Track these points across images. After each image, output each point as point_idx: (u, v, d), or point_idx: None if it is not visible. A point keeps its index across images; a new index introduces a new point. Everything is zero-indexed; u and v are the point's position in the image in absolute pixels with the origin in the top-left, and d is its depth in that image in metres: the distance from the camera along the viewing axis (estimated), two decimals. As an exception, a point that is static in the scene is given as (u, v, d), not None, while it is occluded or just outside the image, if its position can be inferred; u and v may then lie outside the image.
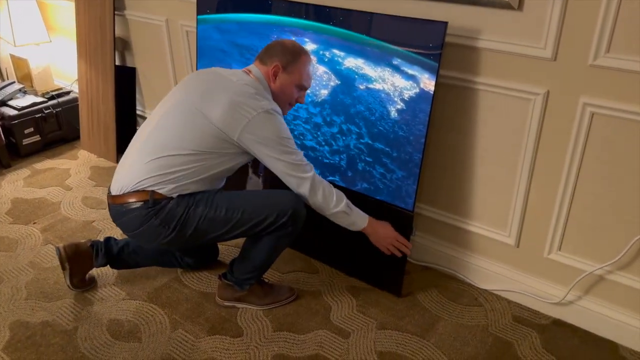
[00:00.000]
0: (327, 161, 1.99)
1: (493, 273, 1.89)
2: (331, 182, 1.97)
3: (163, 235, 1.58)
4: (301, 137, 2.04)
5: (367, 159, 1.88)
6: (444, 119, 1.80)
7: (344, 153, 1.94)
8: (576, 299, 1.74)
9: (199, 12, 2.14)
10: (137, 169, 1.56)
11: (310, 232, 2.03)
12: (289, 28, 1.93)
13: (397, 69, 1.71)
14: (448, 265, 1.99)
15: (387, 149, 1.82)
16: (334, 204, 1.63)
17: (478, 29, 1.62)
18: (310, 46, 1.90)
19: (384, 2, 1.77)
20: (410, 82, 1.69)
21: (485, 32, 1.61)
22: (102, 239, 1.87)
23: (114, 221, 1.65)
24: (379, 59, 1.75)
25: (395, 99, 1.75)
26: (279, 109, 1.59)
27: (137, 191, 1.54)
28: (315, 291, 1.91)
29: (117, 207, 1.60)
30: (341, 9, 1.79)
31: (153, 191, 1.53)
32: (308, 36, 1.89)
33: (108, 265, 1.89)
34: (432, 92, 1.65)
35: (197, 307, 1.82)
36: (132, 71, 2.83)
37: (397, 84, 1.73)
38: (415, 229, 1.74)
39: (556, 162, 1.63)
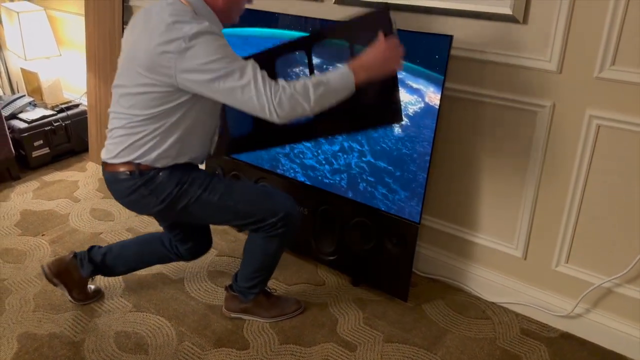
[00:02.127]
0: (327, 181, 2.00)
1: (500, 285, 1.88)
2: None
3: (152, 205, 1.57)
4: (301, 155, 2.05)
5: (369, 178, 1.88)
6: (450, 131, 1.81)
7: (345, 172, 1.94)
8: (584, 312, 1.73)
9: (206, 26, 2.16)
10: (114, 139, 1.55)
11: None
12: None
13: (401, 82, 1.72)
14: (455, 278, 1.99)
15: (390, 167, 1.82)
16: (305, 99, 1.38)
17: (483, 42, 1.63)
18: (313, 60, 1.91)
19: (393, 15, 1.78)
20: (415, 96, 1.70)
21: (490, 45, 1.62)
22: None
23: (107, 187, 1.64)
24: (385, 72, 1.75)
25: (401, 115, 1.76)
26: (207, 28, 1.35)
27: (124, 162, 1.53)
28: (322, 303, 1.90)
29: (108, 174, 1.60)
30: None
31: (139, 163, 1.52)
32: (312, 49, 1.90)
33: (101, 275, 1.89)
34: (437, 107, 1.65)
35: (204, 320, 1.82)
36: (140, 84, 2.85)
37: (402, 98, 1.73)
38: (395, 22, 1.48)
39: (563, 174, 1.63)
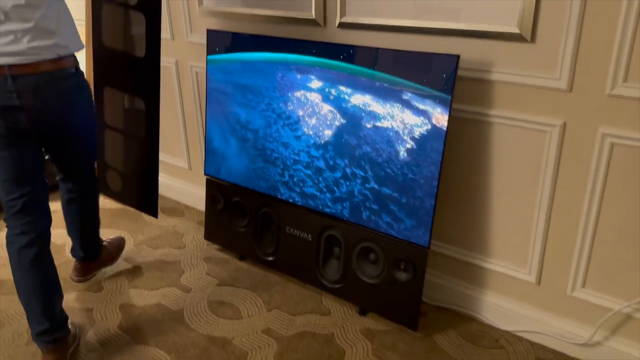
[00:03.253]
0: (329, 210, 1.95)
1: (514, 313, 1.81)
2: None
3: (88, 106, 1.81)
4: (301, 183, 2.01)
5: (373, 206, 1.83)
6: (458, 153, 1.77)
7: (347, 200, 1.89)
8: (603, 340, 1.65)
9: (209, 52, 2.15)
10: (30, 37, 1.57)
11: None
12: (295, 65, 1.93)
13: (407, 104, 1.69)
14: (466, 306, 1.91)
15: (395, 194, 1.77)
16: None
17: (490, 62, 1.61)
18: (315, 84, 1.89)
19: (394, 38, 1.77)
20: (422, 117, 1.66)
21: (498, 65, 1.60)
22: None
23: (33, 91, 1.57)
24: (388, 94, 1.72)
25: (405, 138, 1.72)
26: None
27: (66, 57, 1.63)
28: (328, 334, 1.82)
29: (46, 75, 1.59)
30: (350, 45, 1.78)
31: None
32: (314, 73, 1.88)
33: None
34: (444, 129, 1.61)
35: (205, 353, 1.74)
36: (140, 113, 2.83)
37: (408, 120, 1.70)
38: None
39: (576, 195, 1.58)
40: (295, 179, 2.03)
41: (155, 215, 2.21)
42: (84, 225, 1.99)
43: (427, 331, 1.83)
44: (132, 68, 2.06)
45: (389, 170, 1.78)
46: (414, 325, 1.80)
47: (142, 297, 2.02)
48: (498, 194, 1.74)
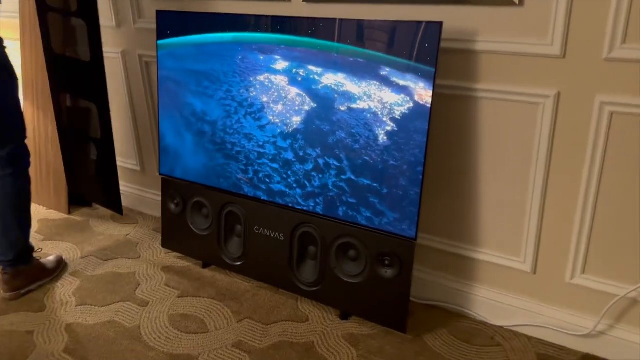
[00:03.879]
0: (300, 207, 1.76)
1: (508, 306, 1.66)
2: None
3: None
4: (267, 179, 1.81)
5: (350, 200, 1.66)
6: (441, 135, 1.61)
7: (321, 195, 1.71)
8: (608, 329, 1.52)
9: (159, 37, 1.93)
10: None
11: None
12: (256, 45, 1.74)
13: (386, 81, 1.52)
14: (456, 302, 1.75)
15: (375, 184, 1.60)
16: None
17: (475, 30, 1.46)
18: (281, 65, 1.71)
19: (367, 10, 1.61)
20: (403, 95, 1.50)
21: (483, 33, 1.46)
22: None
23: None
24: (364, 71, 1.55)
25: (385, 119, 1.55)
26: None
27: None
28: (307, 343, 1.62)
29: None
30: (319, 18, 1.60)
31: None
32: (279, 53, 1.69)
33: None
34: (429, 106, 1.45)
35: (167, 373, 1.52)
36: (85, 113, 2.58)
37: (387, 99, 1.53)
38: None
39: (573, 172, 1.45)
40: (260, 175, 1.83)
41: (120, 212, 2.26)
42: (5, 214, 1.77)
43: (416, 332, 1.66)
44: (80, 72, 2.16)
45: (367, 158, 1.60)
46: (402, 326, 1.62)
47: (92, 314, 1.77)
48: (487, 177, 1.59)
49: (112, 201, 2.28)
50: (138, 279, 1.98)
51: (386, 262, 1.60)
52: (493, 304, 1.69)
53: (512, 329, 1.66)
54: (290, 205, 1.78)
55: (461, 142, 1.60)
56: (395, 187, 1.56)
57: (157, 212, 2.35)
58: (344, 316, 1.74)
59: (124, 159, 2.51)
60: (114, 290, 1.90)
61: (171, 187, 2.05)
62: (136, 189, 2.53)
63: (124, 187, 2.57)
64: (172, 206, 2.06)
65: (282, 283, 1.85)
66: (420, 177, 1.51)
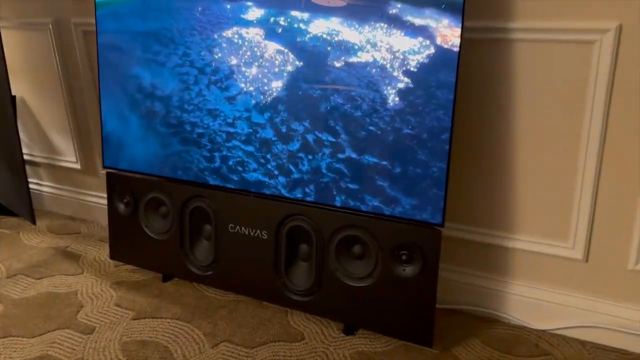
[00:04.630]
0: (284, 202, 1.40)
1: (553, 305, 1.34)
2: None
3: None
4: (239, 167, 1.44)
5: (351, 186, 1.30)
6: (466, 92, 1.28)
7: (311, 183, 1.35)
8: (684, 325, 1.22)
9: (96, -8, 1.53)
10: None
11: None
12: (225, -7, 1.37)
13: (396, 21, 1.18)
14: (486, 304, 1.42)
15: (383, 162, 1.25)
16: None
17: (508, -49, 1.15)
18: (254, 14, 1.35)
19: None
20: (420, 38, 1.16)
21: (519, -46, 1.14)
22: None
23: None
24: (367, 11, 1.21)
25: (396, 74, 1.21)
26: None
27: None
28: (306, 368, 1.26)
29: None
30: (304, -50, 1.25)
31: None
32: (254, -1, 1.34)
33: None
34: (456, 50, 1.12)
35: None
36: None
37: (399, 46, 1.19)
38: None
39: (638, 131, 1.14)
40: (230, 163, 1.46)
41: (32, 221, 1.79)
42: None
43: (442, 345, 1.32)
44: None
45: (372, 128, 1.26)
46: (427, 339, 1.27)
47: (19, 349, 1.34)
48: (525, 143, 1.27)
49: (20, 206, 1.85)
50: (80, 300, 1.55)
51: (404, 258, 1.25)
52: (533, 303, 1.36)
53: (559, 333, 1.34)
54: (270, 200, 1.41)
55: (492, 101, 1.28)
56: (412, 163, 1.22)
57: (105, 220, 1.92)
58: (349, 330, 1.37)
59: (59, 156, 2.07)
60: (49, 316, 1.47)
61: (118, 182, 1.64)
62: (77, 192, 2.09)
63: (60, 190, 2.13)
64: (121, 207, 1.64)
65: (267, 294, 1.47)
66: (447, 147, 1.18)
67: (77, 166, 2.03)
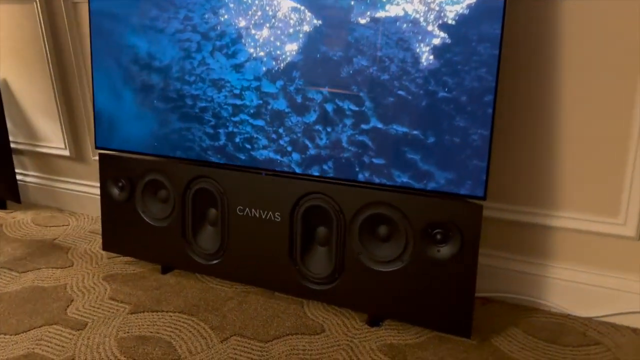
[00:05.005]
0: (300, 180, 1.26)
1: (602, 290, 1.21)
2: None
3: None
4: (247, 144, 1.30)
5: (375, 161, 1.17)
6: (508, 51, 1.15)
7: (330, 160, 1.22)
8: None
9: (86, -49, 1.39)
10: None
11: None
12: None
13: (426, -31, 1.05)
14: (523, 291, 1.29)
15: (415, 132, 1.12)
16: None
17: None
18: None
19: None
20: (454, -17, 1.04)
21: None
22: None
23: None
24: (396, -42, 1.08)
25: (431, 28, 1.08)
26: None
27: None
28: (330, 364, 1.11)
29: None
30: None
31: None
32: None
33: None
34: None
35: None
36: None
37: (431, -5, 1.06)
38: None
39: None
40: (237, 140, 1.32)
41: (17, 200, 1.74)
42: None
43: (480, 336, 1.18)
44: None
45: (402, 93, 1.12)
46: (464, 328, 1.13)
47: (1, 347, 1.18)
48: (573, 110, 1.14)
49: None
50: (70, 294, 1.39)
51: (438, 237, 1.12)
52: (578, 288, 1.23)
53: (608, 320, 1.21)
54: (283, 179, 1.27)
55: (537, 61, 1.15)
56: (449, 131, 1.09)
57: (97, 211, 1.76)
58: (374, 322, 1.23)
59: (46, 143, 1.90)
60: (35, 311, 1.31)
61: (112, 164, 1.49)
62: (65, 181, 1.93)
63: (46, 180, 1.97)
64: (115, 191, 1.49)
65: (281, 283, 1.32)
66: (490, 110, 1.05)
67: (66, 153, 1.87)
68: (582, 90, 1.12)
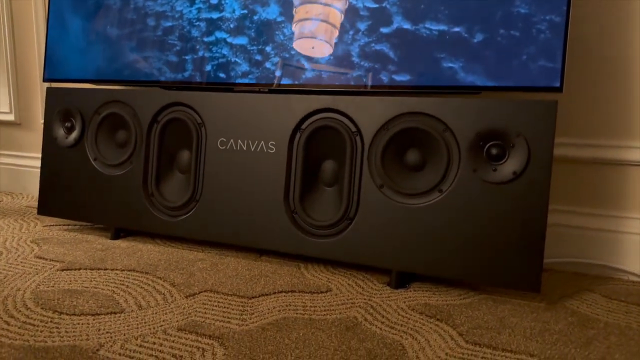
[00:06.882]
0: (303, 94, 0.98)
1: (698, 246, 0.92)
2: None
3: None
4: (221, 73, 1.05)
5: (396, 78, 0.92)
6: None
7: (334, 82, 0.96)
8: None
9: None
10: None
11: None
12: None
13: None
14: (594, 255, 0.98)
15: (455, 29, 0.88)
16: None
17: None
18: None
19: None
20: None
21: None
22: None
23: None
24: None
25: None
26: None
27: None
28: (343, 319, 0.76)
29: None
30: None
31: None
32: None
33: None
34: None
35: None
36: None
37: None
38: None
39: None
40: (208, 68, 1.05)
41: None
42: None
43: (549, 297, 0.86)
44: None
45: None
46: (531, 280, 0.81)
47: None
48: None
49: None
50: (-18, 253, 1.03)
51: (494, 152, 0.83)
52: (665, 246, 0.94)
53: None
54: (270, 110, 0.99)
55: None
56: (505, 23, 0.84)
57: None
58: (400, 282, 0.90)
59: (-11, 106, 1.59)
60: None
61: (62, 97, 1.18)
62: (7, 154, 1.60)
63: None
64: (62, 133, 1.17)
65: (271, 239, 0.99)
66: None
67: (11, 117, 1.55)
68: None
